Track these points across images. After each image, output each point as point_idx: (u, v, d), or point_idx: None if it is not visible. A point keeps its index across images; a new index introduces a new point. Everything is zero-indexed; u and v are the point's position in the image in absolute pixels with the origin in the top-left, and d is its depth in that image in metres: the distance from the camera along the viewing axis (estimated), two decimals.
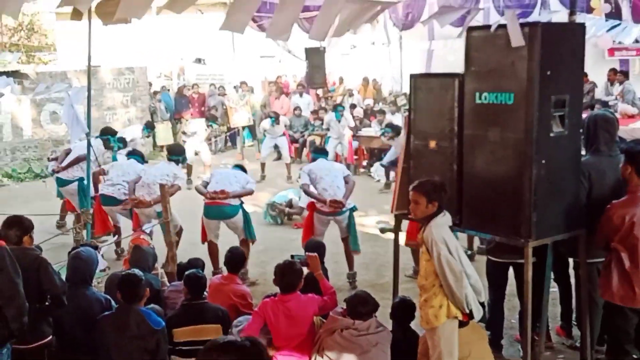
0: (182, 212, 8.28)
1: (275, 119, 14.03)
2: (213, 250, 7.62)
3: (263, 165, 13.83)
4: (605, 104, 12.87)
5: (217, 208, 7.56)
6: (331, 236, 7.78)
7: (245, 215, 7.80)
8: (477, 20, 13.32)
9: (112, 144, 9.91)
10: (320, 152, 8.34)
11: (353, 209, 7.69)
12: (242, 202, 7.81)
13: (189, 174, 12.84)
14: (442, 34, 17.76)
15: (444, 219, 4.43)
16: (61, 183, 9.41)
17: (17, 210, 7.36)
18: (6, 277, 4.12)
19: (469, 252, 7.68)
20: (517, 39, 4.27)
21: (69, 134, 9.78)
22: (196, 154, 13.35)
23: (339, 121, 14.20)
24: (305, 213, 10.22)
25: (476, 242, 7.80)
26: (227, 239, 7.74)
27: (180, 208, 8.18)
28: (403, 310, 5.08)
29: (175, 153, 8.60)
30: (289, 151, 14.21)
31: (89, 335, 4.75)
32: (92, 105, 7.70)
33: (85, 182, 8.73)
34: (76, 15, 6.34)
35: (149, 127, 13.60)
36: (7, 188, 13.81)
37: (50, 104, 14.71)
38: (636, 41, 15.50)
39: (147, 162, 9.45)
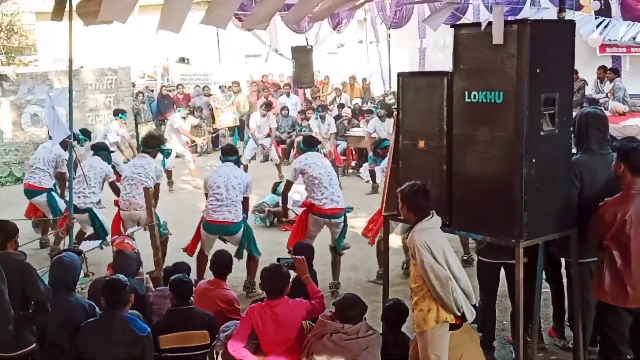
0: (166, 218, 8.18)
1: (267, 105, 14.12)
2: (203, 262, 7.31)
3: (246, 167, 13.79)
4: (593, 102, 12.94)
5: (220, 226, 7.31)
6: (319, 239, 7.76)
7: (248, 230, 7.50)
8: (467, 18, 13.40)
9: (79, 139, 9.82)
10: (310, 143, 7.82)
11: (348, 210, 7.49)
12: (245, 217, 7.55)
13: (169, 177, 12.70)
14: (432, 32, 17.83)
15: (429, 223, 4.46)
16: (30, 194, 9.21)
17: None
18: None
19: (465, 257, 7.67)
20: (498, 37, 4.29)
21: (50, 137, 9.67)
22: (177, 156, 13.33)
23: (322, 122, 14.31)
24: (292, 215, 10.23)
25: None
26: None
27: (163, 212, 8.11)
28: (395, 313, 5.07)
29: (150, 146, 8.25)
30: (276, 151, 14.21)
31: (73, 342, 4.72)
32: (74, 107, 7.62)
33: (54, 192, 8.82)
34: (57, 15, 6.32)
35: (119, 112, 13.45)
36: None
37: (31, 106, 14.58)
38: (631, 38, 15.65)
39: (128, 160, 9.33)
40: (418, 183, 4.57)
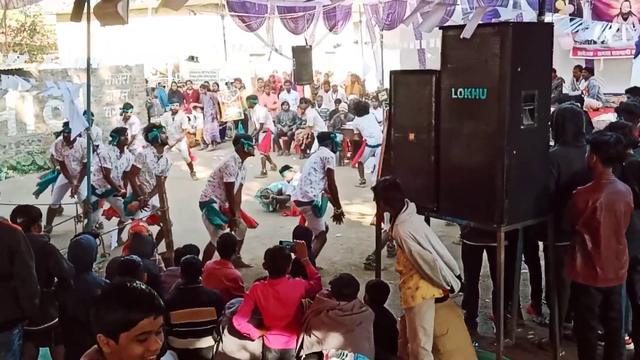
0: (174, 201, 8.11)
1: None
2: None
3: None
4: (570, 99, 12.91)
5: None
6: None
7: None
8: (454, 20, 13.36)
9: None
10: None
11: None
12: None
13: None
14: (425, 34, 17.78)
15: (407, 212, 4.50)
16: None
17: (22, 200, 7.28)
18: (21, 260, 4.10)
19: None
20: (468, 32, 4.30)
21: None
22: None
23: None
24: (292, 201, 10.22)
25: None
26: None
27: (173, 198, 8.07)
28: (376, 290, 5.11)
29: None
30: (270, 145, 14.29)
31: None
32: (91, 101, 7.60)
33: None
34: (76, 16, 6.29)
35: (126, 107, 13.35)
36: (12, 180, 13.70)
37: (52, 100, 14.56)
38: (594, 42, 15.70)
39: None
40: (389, 178, 4.63)
